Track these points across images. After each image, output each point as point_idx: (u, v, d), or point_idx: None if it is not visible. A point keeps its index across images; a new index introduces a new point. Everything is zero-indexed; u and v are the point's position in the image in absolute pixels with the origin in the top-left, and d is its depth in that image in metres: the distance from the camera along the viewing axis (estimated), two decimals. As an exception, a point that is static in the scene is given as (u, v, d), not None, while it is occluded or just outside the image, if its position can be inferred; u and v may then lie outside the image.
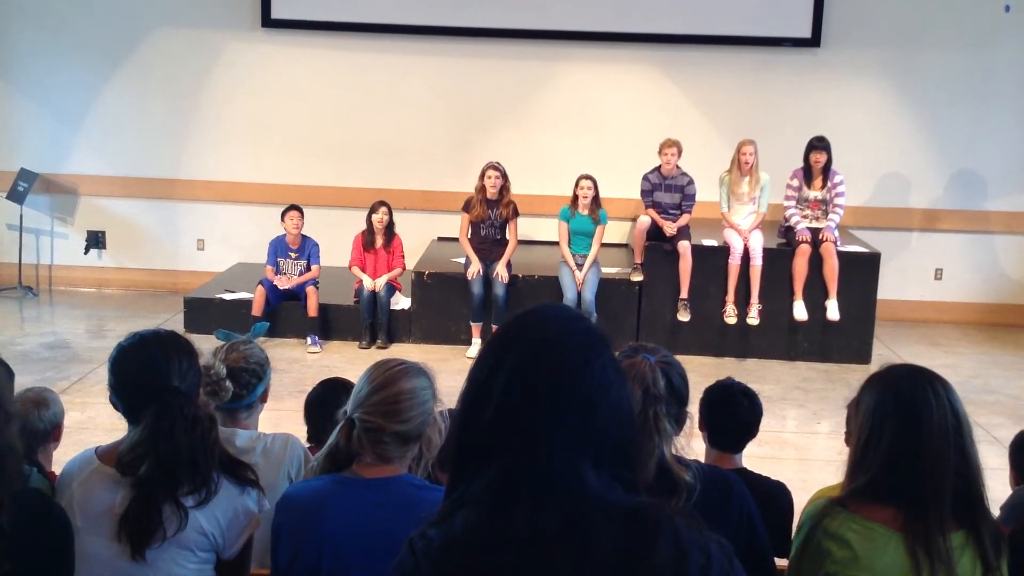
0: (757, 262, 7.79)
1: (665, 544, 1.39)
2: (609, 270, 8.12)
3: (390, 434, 2.32)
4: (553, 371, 1.44)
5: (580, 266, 7.86)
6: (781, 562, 2.52)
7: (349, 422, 2.36)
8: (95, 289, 9.58)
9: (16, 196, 9.04)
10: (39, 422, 3.08)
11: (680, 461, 2.32)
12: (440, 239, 9.10)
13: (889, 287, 8.66)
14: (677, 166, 7.96)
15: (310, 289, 7.93)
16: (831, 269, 7.73)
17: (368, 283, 7.93)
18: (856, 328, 7.88)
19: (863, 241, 8.43)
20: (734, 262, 7.81)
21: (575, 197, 7.94)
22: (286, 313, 8.03)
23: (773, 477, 3.24)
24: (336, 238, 8.57)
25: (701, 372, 5.92)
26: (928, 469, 2.11)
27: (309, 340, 7.82)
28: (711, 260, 7.91)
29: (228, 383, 2.94)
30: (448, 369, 6.59)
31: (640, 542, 1.39)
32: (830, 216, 7.90)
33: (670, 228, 7.84)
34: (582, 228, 7.94)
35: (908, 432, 2.13)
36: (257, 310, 7.81)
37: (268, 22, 9.16)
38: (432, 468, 2.46)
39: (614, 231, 8.78)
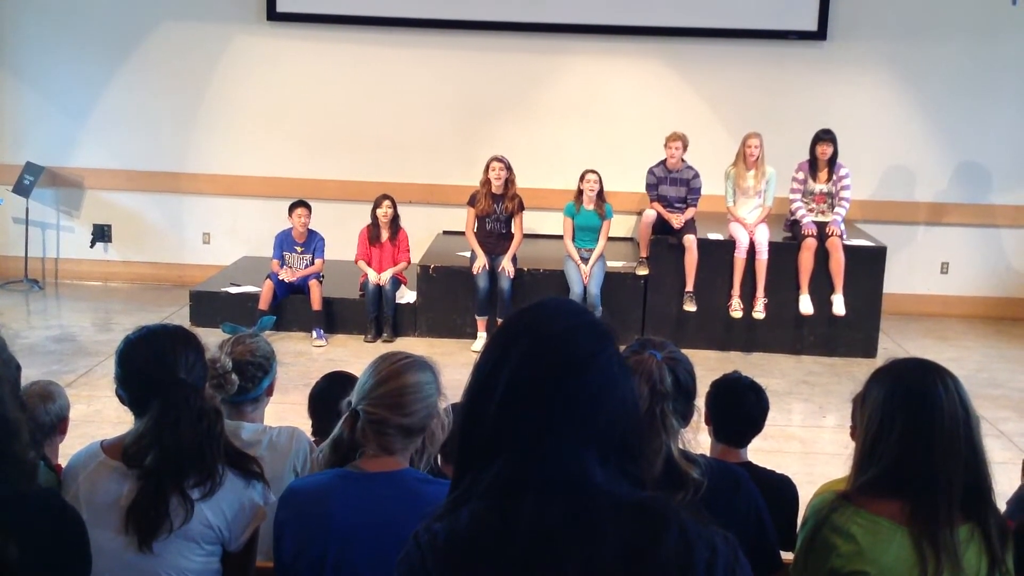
0: (763, 256, 7.78)
1: (671, 538, 1.39)
2: (615, 264, 8.10)
3: (394, 426, 2.33)
4: (558, 365, 1.44)
5: (586, 260, 7.86)
6: (787, 555, 2.51)
7: (353, 414, 2.37)
8: (101, 282, 9.59)
9: (22, 189, 9.06)
10: (45, 415, 3.09)
11: (687, 456, 2.31)
12: (445, 233, 9.10)
13: (895, 281, 8.64)
14: (682, 160, 7.94)
15: (313, 283, 7.93)
16: (837, 263, 7.71)
17: (373, 277, 7.93)
18: (862, 322, 7.87)
19: (869, 235, 8.41)
20: (740, 256, 7.79)
21: (579, 192, 7.94)
22: (292, 307, 8.04)
23: (778, 471, 3.24)
24: (342, 232, 8.57)
25: (707, 366, 5.88)
26: (939, 462, 2.10)
27: (314, 334, 7.83)
28: (717, 254, 7.89)
29: (234, 376, 2.94)
30: (453, 363, 6.61)
31: (646, 536, 1.39)
32: (836, 210, 7.87)
33: (678, 220, 7.82)
34: (588, 224, 7.93)
35: (919, 425, 2.12)
36: (264, 304, 7.82)
37: (273, 15, 9.16)
38: (435, 462, 2.46)
39: (619, 225, 8.78)
